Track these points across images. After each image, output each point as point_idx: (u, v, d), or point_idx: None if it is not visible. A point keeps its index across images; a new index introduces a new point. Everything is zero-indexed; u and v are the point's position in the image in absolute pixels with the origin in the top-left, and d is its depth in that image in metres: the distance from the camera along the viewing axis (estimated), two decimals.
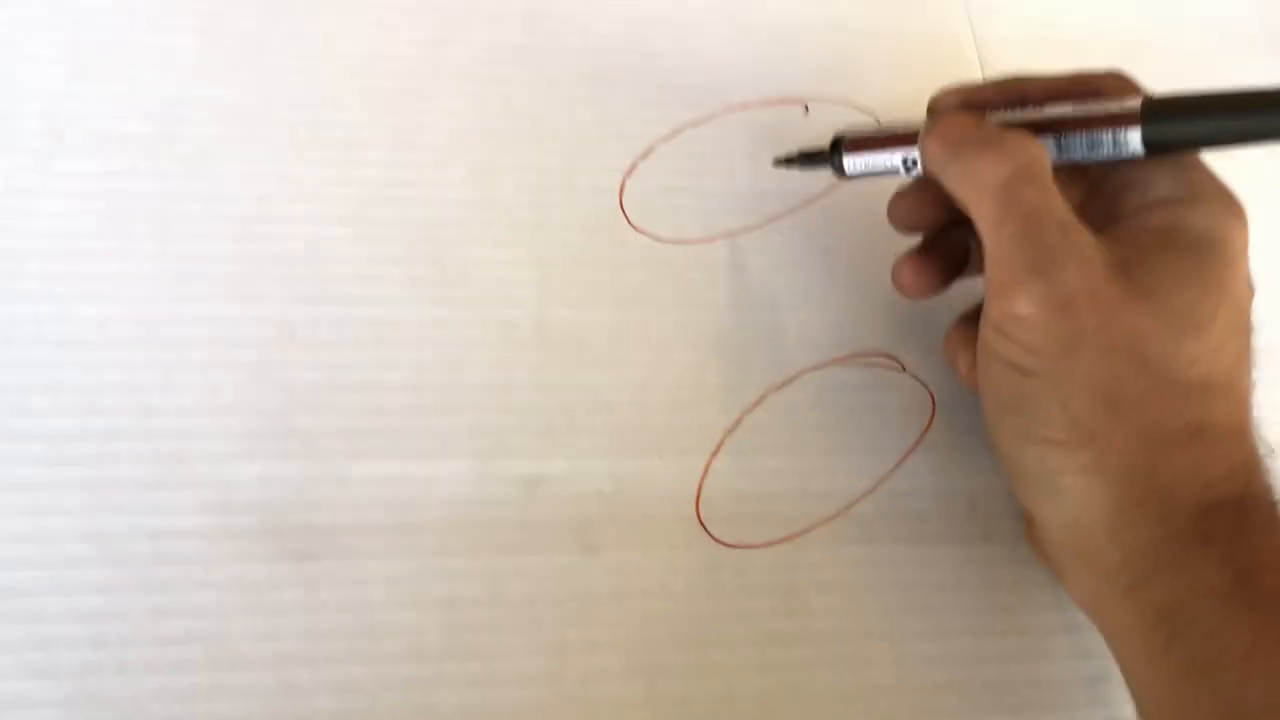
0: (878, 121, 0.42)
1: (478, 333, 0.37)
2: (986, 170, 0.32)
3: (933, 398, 0.38)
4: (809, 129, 0.42)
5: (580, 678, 0.33)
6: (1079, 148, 0.33)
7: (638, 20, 0.43)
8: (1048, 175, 0.32)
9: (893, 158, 0.36)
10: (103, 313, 0.34)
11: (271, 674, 0.31)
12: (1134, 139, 0.32)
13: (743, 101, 0.42)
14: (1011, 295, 0.31)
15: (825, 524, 0.36)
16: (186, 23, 0.39)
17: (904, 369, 0.39)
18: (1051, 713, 0.35)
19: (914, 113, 0.37)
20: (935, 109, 0.36)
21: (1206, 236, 0.31)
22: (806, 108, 0.43)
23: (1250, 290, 0.32)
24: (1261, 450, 0.31)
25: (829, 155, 0.38)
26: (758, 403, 0.37)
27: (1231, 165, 0.33)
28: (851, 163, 0.37)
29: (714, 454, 0.36)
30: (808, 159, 0.39)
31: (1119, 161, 0.33)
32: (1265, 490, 0.31)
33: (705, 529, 0.35)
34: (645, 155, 0.41)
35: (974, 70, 0.45)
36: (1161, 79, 0.33)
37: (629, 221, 0.39)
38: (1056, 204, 0.31)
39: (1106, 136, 0.32)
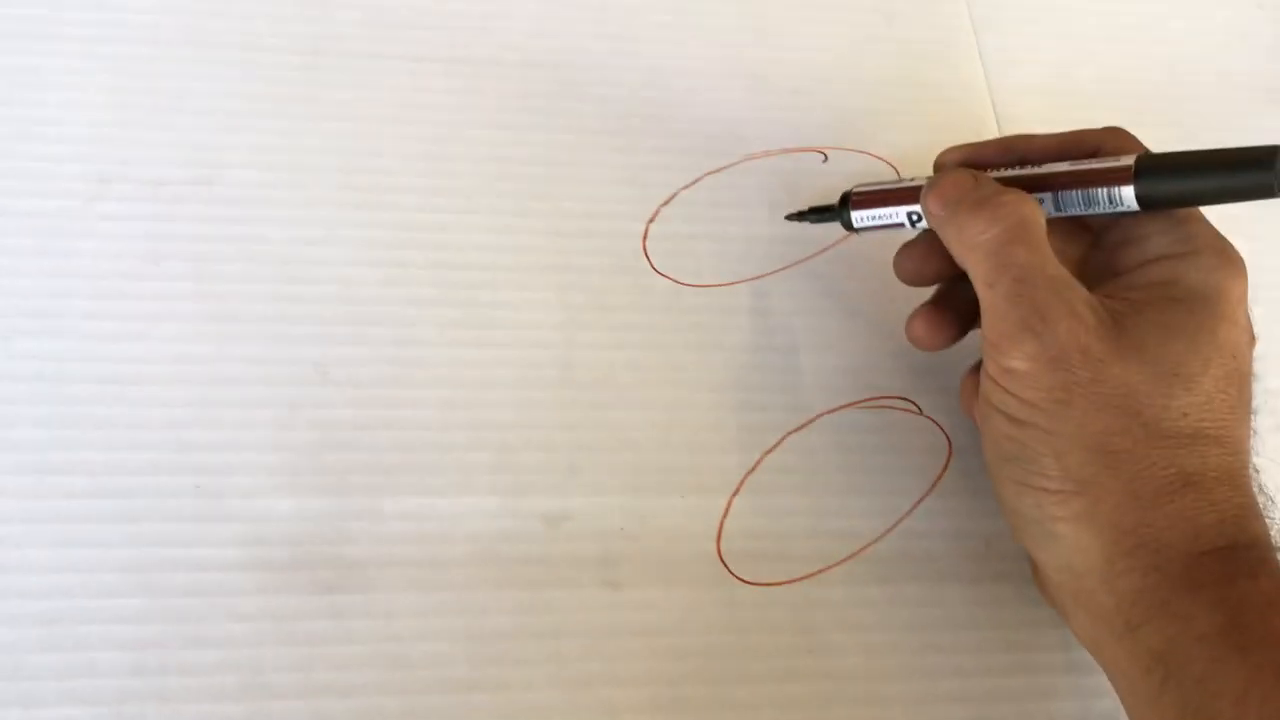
0: (896, 171, 0.44)
1: (504, 372, 0.38)
2: (979, 231, 0.33)
3: (949, 440, 0.39)
4: (827, 177, 0.43)
5: (603, 711, 0.33)
6: (1075, 203, 0.34)
7: (662, 71, 0.44)
8: (1040, 234, 0.33)
9: (898, 213, 0.37)
10: (144, 351, 0.36)
11: (303, 703, 0.32)
12: (1128, 195, 0.33)
13: (763, 150, 0.43)
14: (1006, 351, 0.32)
15: (843, 563, 0.37)
16: (227, 71, 0.40)
17: (920, 412, 0.40)
18: None
19: (931, 162, 0.38)
20: (939, 166, 0.38)
21: (1201, 290, 0.32)
22: (825, 156, 0.44)
23: (1251, 339, 0.33)
24: (1258, 496, 0.32)
25: (838, 210, 0.39)
26: (777, 444, 0.38)
27: (1233, 213, 0.33)
28: (859, 217, 0.38)
29: (734, 493, 0.37)
30: (818, 213, 0.40)
31: (1118, 216, 0.34)
32: (1259, 536, 0.31)
33: (726, 566, 0.36)
34: (668, 202, 0.42)
35: (989, 121, 0.46)
36: (1174, 130, 0.34)
37: (652, 266, 0.40)
38: (1047, 262, 0.32)
39: (1101, 193, 0.33)
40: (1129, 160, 0.33)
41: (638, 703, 0.34)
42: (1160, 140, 0.35)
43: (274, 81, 0.41)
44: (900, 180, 0.38)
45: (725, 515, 0.37)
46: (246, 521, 0.34)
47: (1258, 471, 0.33)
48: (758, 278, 0.41)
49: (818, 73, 0.46)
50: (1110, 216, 0.34)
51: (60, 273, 0.36)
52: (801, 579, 0.36)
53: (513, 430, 0.37)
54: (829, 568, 0.37)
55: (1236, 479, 0.32)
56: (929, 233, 0.36)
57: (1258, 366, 0.34)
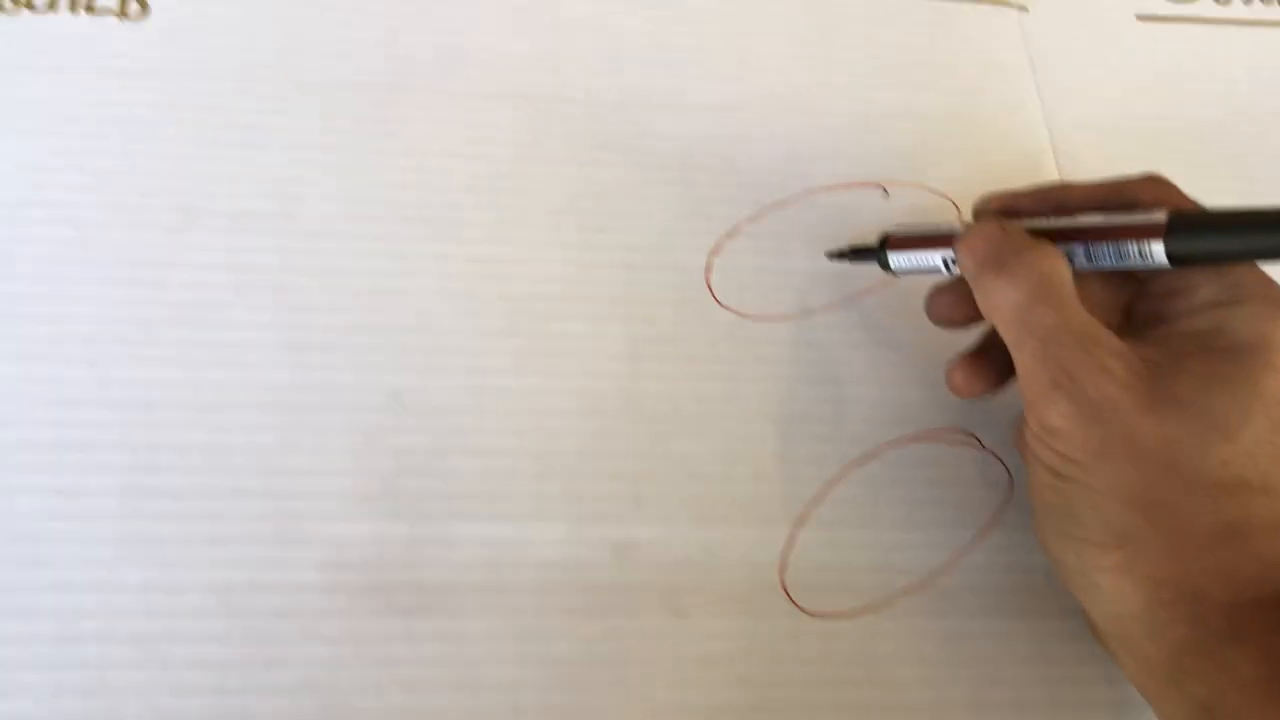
0: (955, 206, 0.44)
1: (572, 402, 0.38)
2: (1001, 294, 0.33)
3: (1010, 474, 0.40)
4: (888, 212, 0.44)
5: None
6: (1107, 257, 0.34)
7: (724, 107, 0.45)
8: (1064, 290, 0.33)
9: (934, 257, 0.38)
10: (227, 378, 0.37)
11: None
12: (1158, 251, 0.33)
13: (824, 185, 0.44)
14: (1041, 409, 0.32)
15: (906, 596, 0.37)
16: (306, 107, 0.42)
17: (982, 446, 0.40)
18: None
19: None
20: (978, 213, 0.38)
21: (1246, 339, 0.32)
22: (885, 191, 0.44)
23: None
24: None
25: (876, 251, 0.39)
26: (840, 475, 0.39)
27: None
28: (896, 260, 0.39)
29: (797, 524, 0.38)
30: (857, 254, 0.41)
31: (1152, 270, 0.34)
32: None
33: (790, 598, 0.36)
34: (731, 235, 0.42)
35: (1046, 156, 0.46)
36: (1231, 168, 0.34)
37: (715, 298, 0.41)
38: (1073, 318, 0.32)
39: (1132, 248, 0.33)
40: (1161, 216, 0.33)
41: None
42: (1216, 179, 0.35)
43: (350, 117, 0.42)
44: (938, 225, 0.38)
45: (788, 546, 0.37)
46: (326, 545, 0.35)
47: None
48: (820, 310, 0.42)
49: (877, 107, 0.46)
50: (1144, 271, 0.34)
51: (148, 302, 0.37)
52: (864, 611, 0.37)
53: (580, 459, 0.37)
54: (892, 600, 0.37)
55: None
56: (961, 277, 0.36)
57: None
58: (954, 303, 0.38)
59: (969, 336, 0.38)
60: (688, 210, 0.43)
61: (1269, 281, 0.33)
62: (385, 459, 0.36)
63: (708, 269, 0.42)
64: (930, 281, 0.39)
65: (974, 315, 0.37)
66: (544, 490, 0.37)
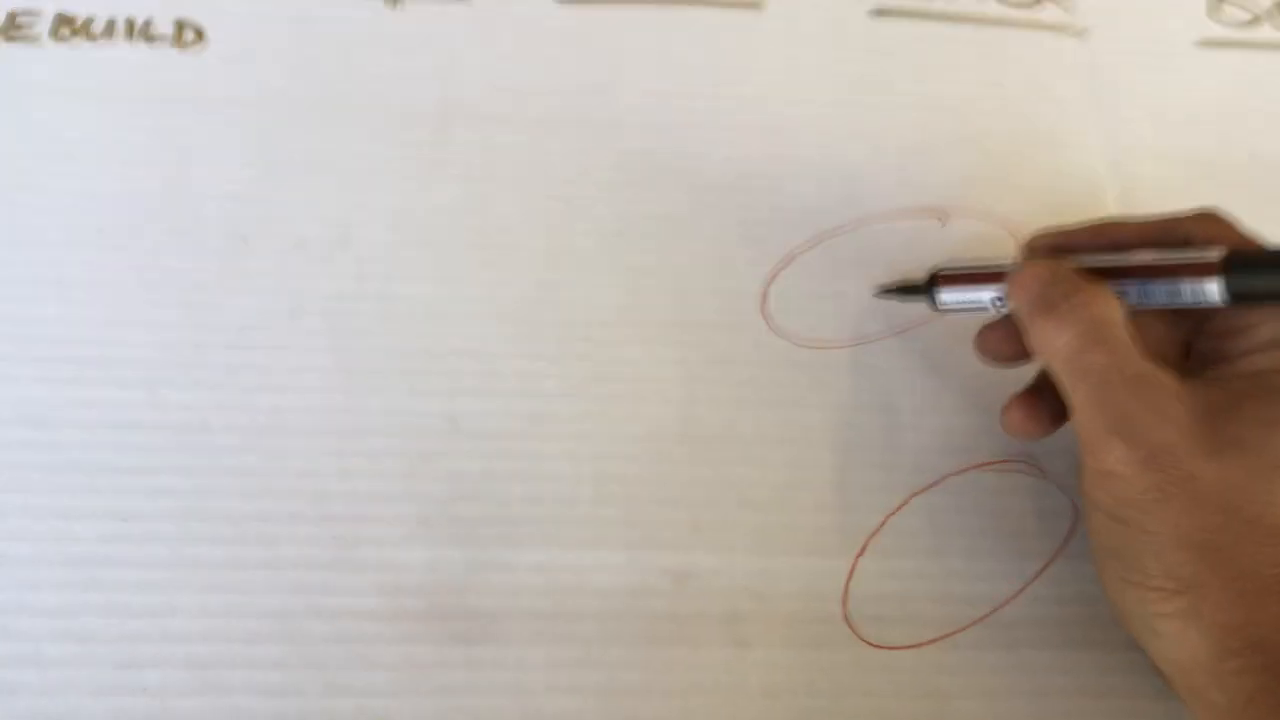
0: (1012, 236, 0.44)
1: (628, 428, 0.38)
2: (1053, 336, 0.32)
3: (1074, 504, 0.39)
4: (945, 240, 0.43)
5: None
6: (1161, 295, 0.33)
7: (780, 132, 0.45)
8: (1116, 331, 0.32)
9: (983, 296, 0.37)
10: (282, 403, 0.37)
11: None
12: (1212, 290, 0.32)
13: (880, 212, 0.44)
14: (1097, 454, 0.31)
15: (970, 628, 0.36)
16: (360, 134, 0.42)
17: (1045, 475, 0.39)
18: None
19: (1048, 224, 0.38)
20: (1029, 250, 0.37)
21: None
22: (943, 219, 0.44)
23: None
24: None
25: (925, 288, 0.39)
26: (902, 505, 0.38)
27: None
28: (944, 297, 0.38)
29: (859, 554, 0.37)
30: (906, 290, 0.40)
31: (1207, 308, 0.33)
32: None
33: (852, 629, 0.36)
34: (786, 263, 0.42)
35: (1106, 185, 0.46)
36: None
37: (770, 326, 0.41)
38: (1127, 361, 0.32)
39: (1186, 287, 0.33)
40: (1215, 254, 0.32)
41: None
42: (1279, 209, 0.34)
43: (404, 144, 0.42)
44: (987, 263, 0.38)
45: (850, 577, 0.36)
46: (382, 571, 0.34)
47: None
48: (877, 338, 0.41)
49: (935, 135, 0.46)
50: (1200, 310, 0.34)
51: (204, 327, 0.37)
52: (928, 643, 0.36)
53: (637, 485, 0.37)
54: (955, 632, 0.36)
55: None
56: (1010, 316, 0.36)
57: None
58: (1004, 340, 0.37)
59: (1030, 369, 0.38)
60: (742, 237, 0.42)
61: None
62: (440, 483, 0.36)
63: (762, 296, 0.41)
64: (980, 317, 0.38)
65: (1024, 353, 0.36)
66: (601, 516, 0.36)
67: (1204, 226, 0.34)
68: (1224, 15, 0.51)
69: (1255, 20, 0.50)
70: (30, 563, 0.33)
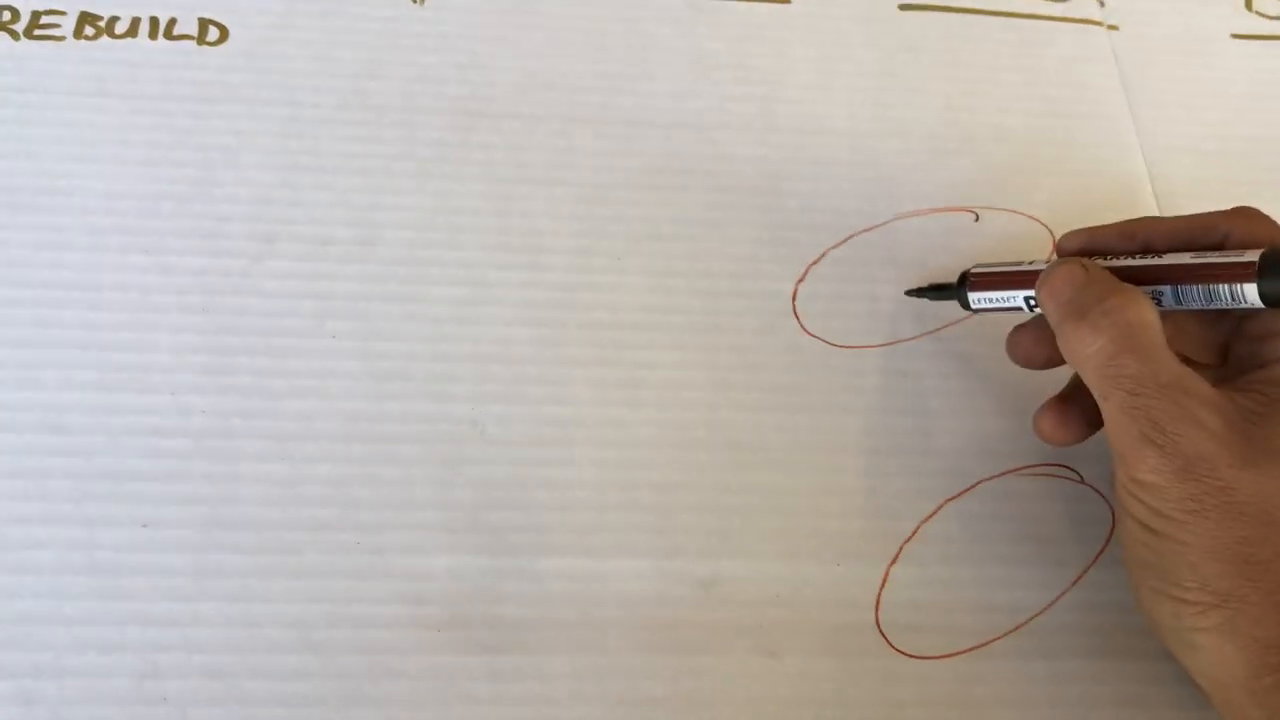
0: (1050, 231, 0.43)
1: (655, 433, 0.37)
2: (1085, 342, 0.31)
3: (1111, 509, 0.38)
4: (979, 238, 0.43)
5: None
6: (1197, 298, 0.32)
7: (809, 131, 0.44)
8: (1151, 336, 0.31)
9: (1016, 297, 0.36)
10: (308, 408, 0.36)
11: None
12: (1250, 293, 0.31)
13: (912, 210, 0.43)
14: (1131, 463, 0.31)
15: (1006, 637, 0.36)
16: (385, 133, 0.41)
17: (1082, 480, 0.38)
18: None
19: (1083, 223, 0.37)
20: (1060, 251, 0.37)
21: None
22: (976, 216, 0.43)
23: None
24: None
25: (956, 289, 0.38)
26: (935, 511, 0.37)
27: None
28: (976, 298, 0.38)
29: (892, 562, 0.36)
30: (937, 291, 0.39)
31: (1246, 312, 0.32)
32: None
33: (885, 638, 0.35)
34: (817, 261, 0.41)
35: (1142, 179, 0.45)
36: None
37: (802, 326, 0.40)
38: (1161, 368, 0.31)
39: (1223, 290, 0.32)
40: (1252, 256, 0.31)
41: None
42: None
43: (430, 143, 0.42)
44: (1019, 263, 0.37)
45: (883, 585, 0.36)
46: (406, 579, 0.34)
47: None
48: (910, 339, 0.40)
49: (967, 131, 0.45)
50: (1238, 312, 0.33)
51: (227, 330, 0.37)
52: (963, 652, 0.35)
53: (665, 491, 0.36)
54: (991, 641, 0.35)
55: None
56: (1042, 317, 0.35)
57: None
58: (1036, 342, 0.36)
59: (1066, 371, 0.37)
60: (772, 236, 0.42)
61: None
62: (466, 490, 0.35)
63: (794, 296, 0.41)
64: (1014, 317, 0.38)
65: (1056, 356, 0.35)
66: (628, 523, 0.36)
67: (1242, 224, 0.33)
68: (1260, 6, 0.50)
69: None
70: (52, 571, 0.33)
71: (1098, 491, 0.38)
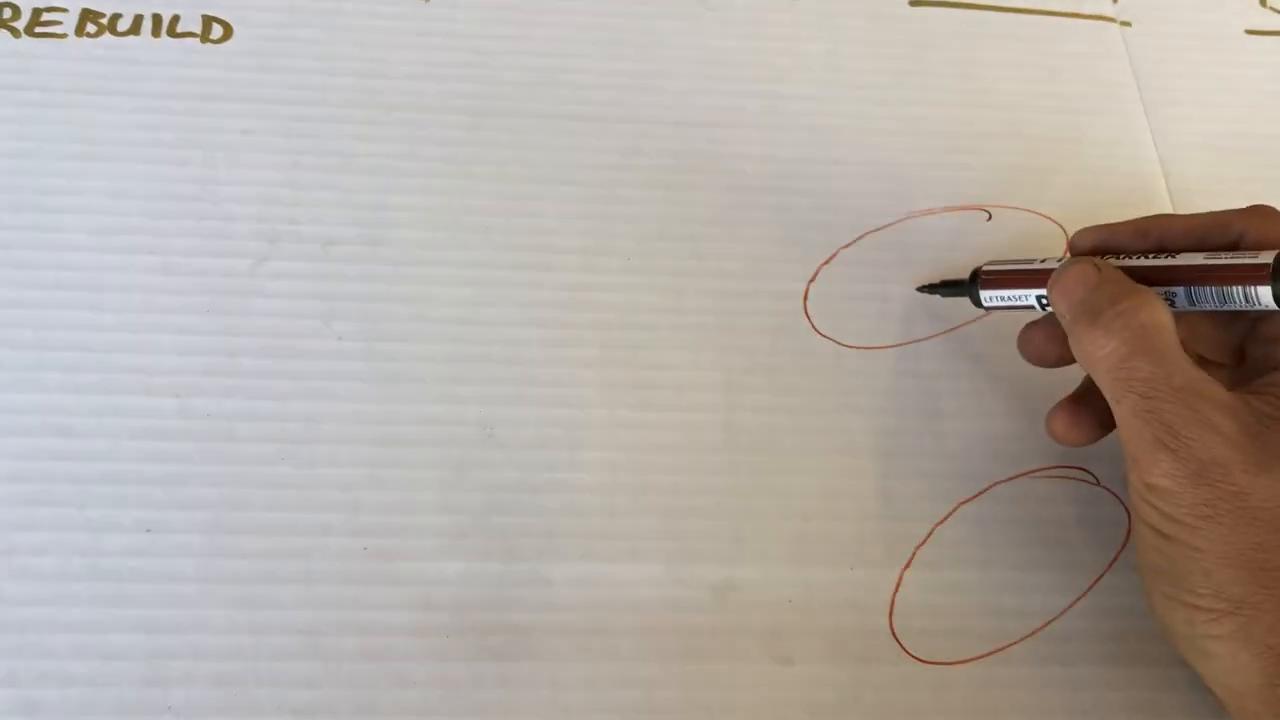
0: (1063, 230, 0.42)
1: (666, 436, 0.37)
2: (1097, 344, 0.31)
3: (1128, 512, 0.37)
4: (992, 236, 0.42)
5: None
6: (1210, 300, 0.32)
7: (821, 129, 0.43)
8: (1165, 338, 0.31)
9: (1028, 296, 0.36)
10: (314, 410, 0.36)
11: None
12: (1265, 295, 0.31)
13: (925, 208, 0.42)
14: (1143, 467, 0.30)
15: (1022, 642, 0.35)
16: (392, 132, 0.41)
17: (1097, 482, 0.38)
18: None
19: (1097, 220, 0.37)
20: (1073, 249, 0.36)
21: None
22: (989, 215, 0.43)
23: None
24: None
25: (968, 286, 0.38)
26: (949, 514, 0.37)
27: None
28: (988, 297, 0.37)
29: (906, 566, 0.36)
30: (949, 287, 0.39)
31: (1261, 313, 0.32)
32: None
33: (899, 643, 0.35)
34: (829, 261, 0.41)
35: (1156, 176, 0.44)
36: None
37: (813, 326, 0.40)
38: (1175, 371, 0.30)
39: (1237, 292, 0.31)
40: (1267, 258, 0.31)
41: None
42: None
43: (438, 142, 0.41)
44: (1031, 261, 0.36)
45: (897, 589, 0.35)
46: (416, 585, 0.34)
47: None
48: (923, 339, 0.40)
49: (980, 129, 0.44)
50: (1252, 313, 0.32)
51: (232, 331, 0.37)
52: (979, 658, 0.35)
53: (677, 495, 0.36)
54: (1007, 646, 0.35)
55: None
56: (1054, 314, 0.34)
57: None
58: (1047, 340, 0.36)
59: (1080, 372, 0.36)
60: (784, 236, 0.41)
61: None
62: (475, 494, 0.35)
63: (805, 296, 0.40)
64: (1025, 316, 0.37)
65: (1068, 354, 0.35)
66: (639, 528, 0.35)
67: (1257, 223, 0.33)
68: (1274, 1, 0.49)
69: None
70: (55, 577, 0.33)
71: (1113, 494, 0.38)
